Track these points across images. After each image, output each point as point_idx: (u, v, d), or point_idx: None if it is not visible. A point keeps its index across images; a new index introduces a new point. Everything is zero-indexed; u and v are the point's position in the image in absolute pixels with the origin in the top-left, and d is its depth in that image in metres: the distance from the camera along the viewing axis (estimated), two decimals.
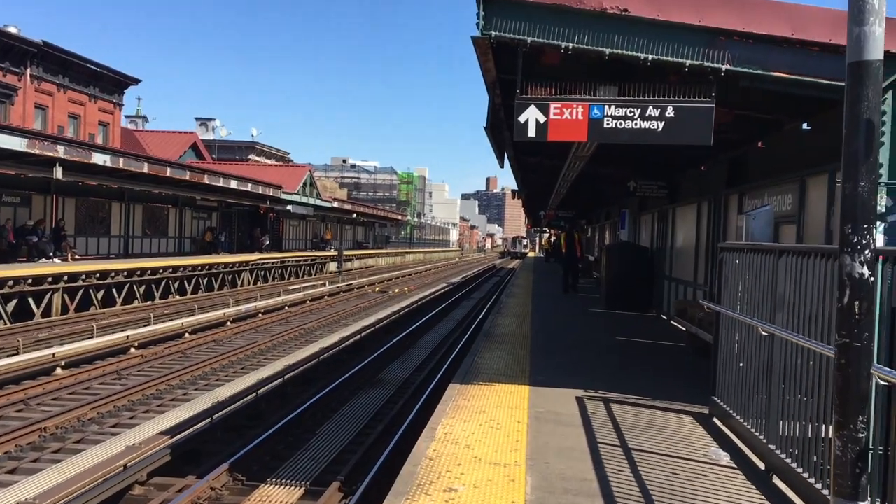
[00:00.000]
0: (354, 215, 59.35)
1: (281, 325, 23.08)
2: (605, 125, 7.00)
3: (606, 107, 7.01)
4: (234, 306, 25.54)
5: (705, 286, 12.37)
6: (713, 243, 11.89)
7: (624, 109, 6.99)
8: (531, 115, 7.06)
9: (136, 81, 38.82)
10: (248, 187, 36.83)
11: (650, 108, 6.96)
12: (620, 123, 6.99)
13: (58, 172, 22.58)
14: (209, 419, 10.94)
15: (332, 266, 50.83)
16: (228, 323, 22.47)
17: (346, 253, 57.49)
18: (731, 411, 6.43)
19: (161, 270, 28.26)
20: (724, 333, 6.70)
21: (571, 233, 21.91)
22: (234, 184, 34.97)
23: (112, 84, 37.37)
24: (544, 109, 7.05)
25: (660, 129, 6.95)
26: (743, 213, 9.63)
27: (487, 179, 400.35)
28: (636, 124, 6.97)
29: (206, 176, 32.10)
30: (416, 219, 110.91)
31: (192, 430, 10.48)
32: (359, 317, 25.79)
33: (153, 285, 27.88)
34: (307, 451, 10.14)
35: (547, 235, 67.41)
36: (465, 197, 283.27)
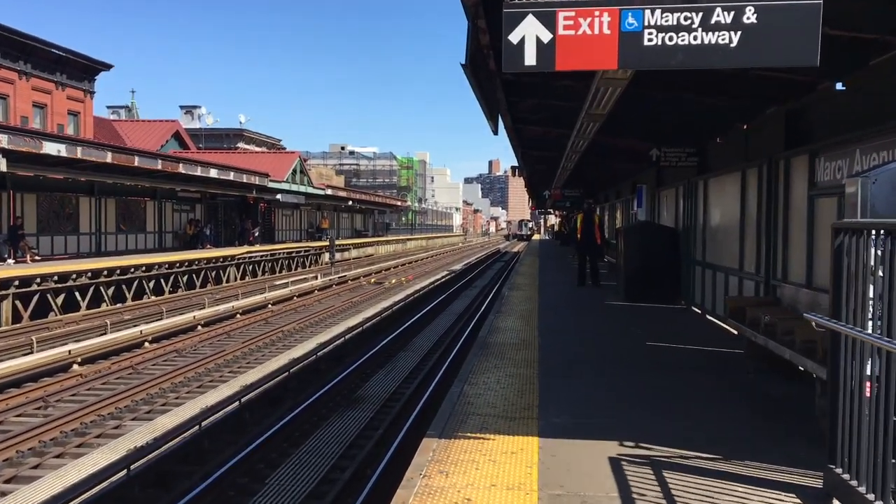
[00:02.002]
0: (351, 202, 56.74)
1: (259, 327, 20.60)
2: (647, 41, 4.42)
3: (647, 13, 4.44)
4: (210, 307, 23.06)
5: (757, 275, 9.80)
6: (769, 221, 9.33)
7: (675, 16, 4.42)
8: (529, 32, 4.49)
9: (108, 67, 36.12)
10: (231, 176, 34.24)
11: (718, 11, 4.38)
12: (671, 38, 4.41)
13: (1, 164, 20.08)
14: (126, 470, 8.46)
15: (328, 256, 48.34)
16: (199, 327, 20.01)
17: (343, 242, 55.00)
18: (871, 497, 3.91)
19: (132, 269, 25.78)
20: (849, 367, 4.16)
21: (590, 213, 18.16)
22: (213, 172, 32.39)
23: (80, 70, 34.69)
24: (549, 21, 4.48)
25: (734, 45, 4.38)
26: (842, 177, 7.03)
27: (490, 162, 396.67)
28: (696, 39, 4.40)
29: (181, 165, 29.52)
30: (417, 204, 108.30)
31: (99, 488, 8.00)
32: (348, 314, 23.29)
33: (124, 286, 25.40)
34: None
35: (555, 218, 64.97)
36: (467, 181, 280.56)
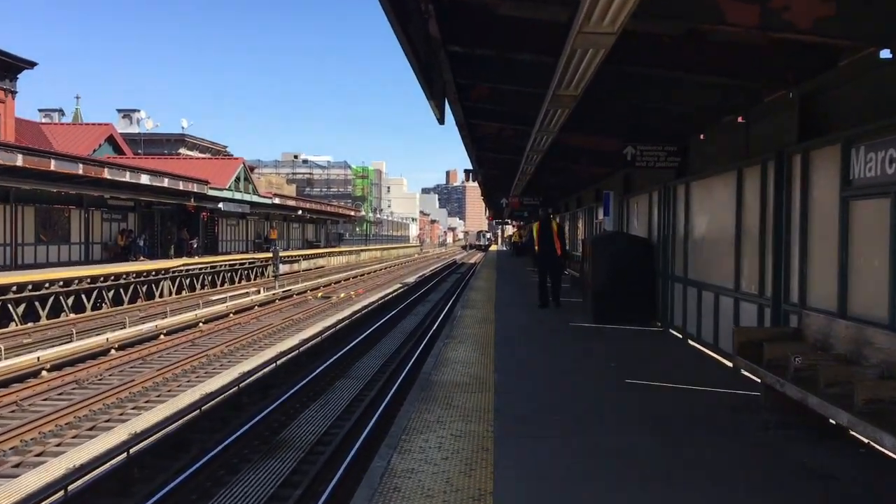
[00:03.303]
0: (300, 212, 54.34)
1: (182, 350, 18.35)
2: None
3: None
4: (131, 326, 20.74)
5: (761, 297, 7.98)
6: (778, 230, 7.52)
7: None
8: None
9: (31, 64, 33.32)
10: (165, 182, 31.81)
11: None
12: None
13: None
14: None
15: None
16: (113, 350, 17.67)
17: (293, 253, 52.65)
18: None
19: (47, 284, 23.27)
20: None
21: (548, 220, 15.33)
22: (145, 179, 29.95)
23: (1, 68, 31.97)
24: None
25: None
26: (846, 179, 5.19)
27: (447, 172, 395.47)
28: None
29: (106, 170, 27.10)
30: (372, 214, 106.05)
31: None
32: (286, 334, 21.15)
33: (37, 303, 22.89)
34: None
35: (513, 228, 63.46)
36: (425, 191, 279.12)
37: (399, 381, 13.66)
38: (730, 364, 8.89)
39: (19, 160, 21.98)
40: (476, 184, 17.83)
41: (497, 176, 23.38)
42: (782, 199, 7.38)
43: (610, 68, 7.90)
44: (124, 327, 20.77)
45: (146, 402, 12.99)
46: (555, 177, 21.26)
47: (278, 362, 15.73)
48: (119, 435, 10.55)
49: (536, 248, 15.64)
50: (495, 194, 31.58)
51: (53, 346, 17.08)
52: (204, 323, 22.94)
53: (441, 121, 8.93)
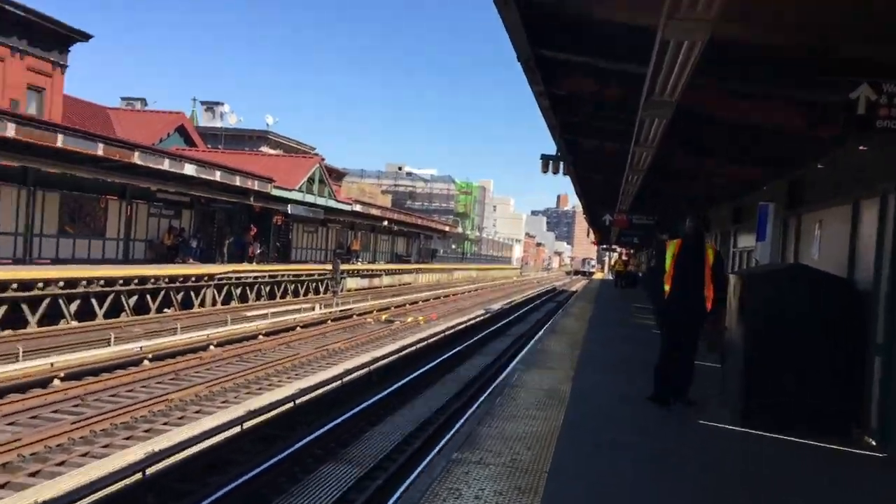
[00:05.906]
0: (386, 223, 49.82)
1: (151, 387, 13.58)
2: None
3: None
4: (117, 345, 16.32)
5: None
6: None
7: None
8: None
9: (87, 37, 29.87)
10: (217, 176, 27.59)
11: None
12: None
13: None
14: None
15: (351, 282, 41.39)
16: (56, 381, 13.13)
17: (374, 267, 48.19)
18: None
19: (41, 285, 19.18)
20: None
21: (699, 239, 8.44)
22: (189, 169, 25.75)
23: (49, 37, 28.43)
24: None
25: None
26: None
27: (558, 197, 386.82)
28: None
29: (136, 153, 22.93)
30: (473, 232, 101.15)
31: None
32: (307, 370, 16.19)
33: (25, 306, 18.83)
34: None
35: (617, 255, 56.81)
36: (534, 213, 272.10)
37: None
38: None
39: (11, 130, 17.99)
40: (554, 172, 12.33)
41: (596, 182, 17.65)
42: None
43: None
44: (108, 345, 16.38)
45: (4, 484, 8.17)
46: (675, 185, 15.48)
47: (244, 425, 10.64)
48: None
49: (667, 286, 8.10)
50: (598, 208, 25.69)
51: None
52: (215, 346, 18.23)
53: None
